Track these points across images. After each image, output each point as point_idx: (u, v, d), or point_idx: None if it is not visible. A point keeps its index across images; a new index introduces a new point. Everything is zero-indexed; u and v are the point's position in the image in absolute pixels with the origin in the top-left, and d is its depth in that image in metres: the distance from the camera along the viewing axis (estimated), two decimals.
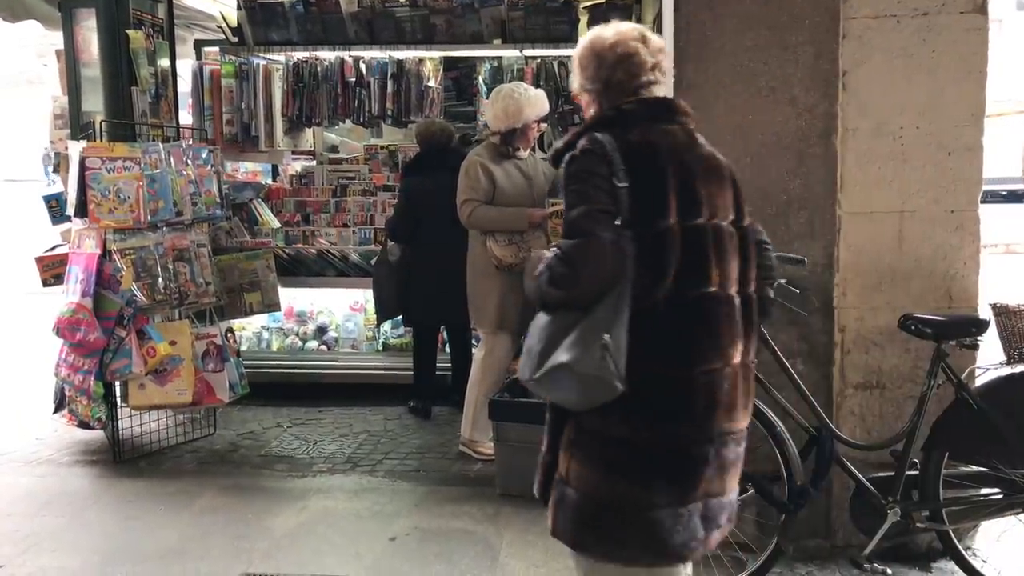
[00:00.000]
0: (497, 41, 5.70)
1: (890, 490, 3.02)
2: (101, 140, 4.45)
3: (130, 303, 4.25)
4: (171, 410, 4.70)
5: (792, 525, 3.06)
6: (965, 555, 3.12)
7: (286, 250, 5.53)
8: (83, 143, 4.38)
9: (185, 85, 5.93)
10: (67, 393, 4.51)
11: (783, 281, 3.06)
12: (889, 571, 3.06)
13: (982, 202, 3.32)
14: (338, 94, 5.87)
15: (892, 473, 3.04)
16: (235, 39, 5.88)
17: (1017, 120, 14.67)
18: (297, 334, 5.86)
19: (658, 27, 3.86)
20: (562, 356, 1.98)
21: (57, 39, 5.20)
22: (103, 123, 4.55)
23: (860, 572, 3.08)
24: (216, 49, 6.06)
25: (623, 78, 2.15)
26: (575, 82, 2.26)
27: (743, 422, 2.14)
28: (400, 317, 5.34)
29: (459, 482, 4.20)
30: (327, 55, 5.90)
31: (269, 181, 6.55)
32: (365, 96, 5.86)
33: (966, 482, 3.10)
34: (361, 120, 5.99)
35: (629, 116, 2.12)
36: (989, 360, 3.08)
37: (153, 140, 4.78)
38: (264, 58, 5.96)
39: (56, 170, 5.14)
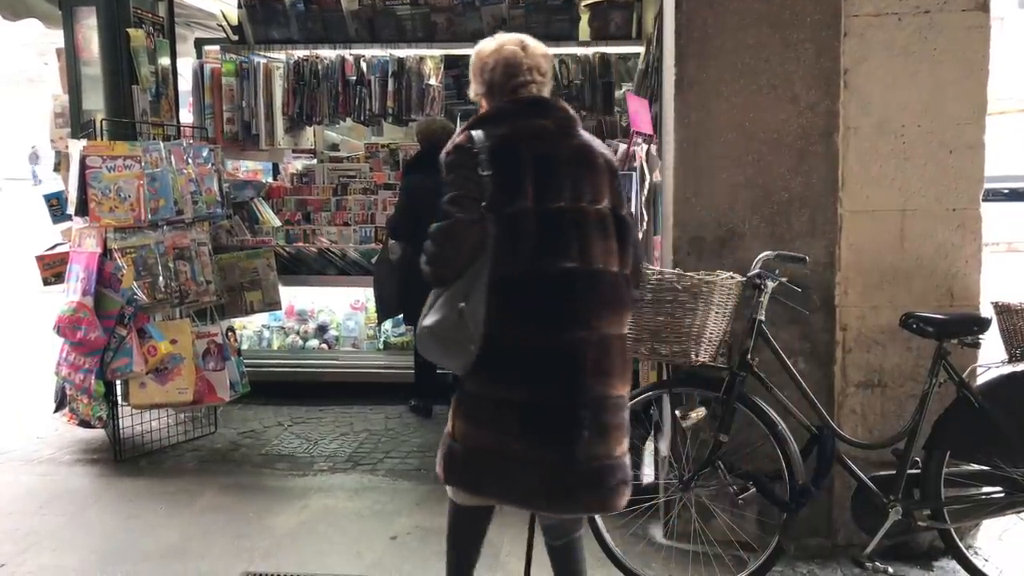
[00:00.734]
0: None
1: (891, 489, 3.02)
2: (102, 139, 4.45)
3: (131, 302, 4.25)
4: (172, 409, 4.70)
5: (793, 524, 3.06)
6: (967, 554, 3.11)
7: (287, 249, 5.53)
8: (84, 142, 4.37)
9: (186, 83, 5.93)
10: (68, 392, 4.51)
11: (785, 280, 3.06)
12: (891, 570, 3.06)
13: (984, 200, 3.31)
14: (339, 92, 5.87)
15: (893, 472, 3.04)
16: (236, 37, 5.88)
17: (1019, 118, 14.64)
18: (298, 333, 5.86)
19: (659, 25, 3.85)
20: (425, 320, 2.39)
21: (58, 37, 5.20)
22: (104, 122, 4.55)
23: (861, 571, 3.08)
24: (217, 47, 6.06)
25: (502, 80, 2.45)
26: (471, 89, 2.56)
27: (620, 389, 2.38)
28: (401, 316, 5.34)
29: None
30: (328, 53, 5.90)
31: (270, 180, 6.55)
32: (366, 94, 5.85)
33: (967, 481, 3.09)
34: (362, 118, 5.98)
35: (502, 113, 2.42)
36: (991, 359, 3.07)
37: (154, 139, 4.78)
38: (265, 56, 5.96)
39: (56, 169, 5.14)
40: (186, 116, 6.08)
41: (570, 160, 2.38)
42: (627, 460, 2.41)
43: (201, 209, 4.64)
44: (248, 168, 6.77)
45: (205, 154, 4.74)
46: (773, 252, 3.13)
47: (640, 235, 3.63)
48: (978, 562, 3.15)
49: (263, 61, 5.90)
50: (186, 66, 6.00)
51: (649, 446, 3.95)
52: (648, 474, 3.91)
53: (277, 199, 5.93)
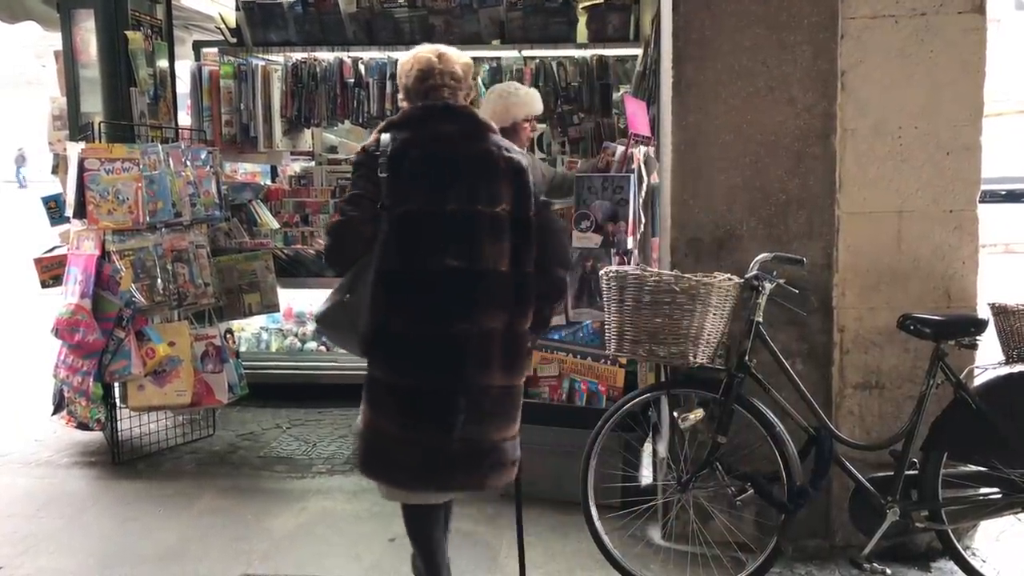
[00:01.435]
0: (496, 41, 5.69)
1: (889, 490, 3.02)
2: (100, 141, 4.44)
3: (129, 304, 4.25)
4: (170, 411, 4.70)
5: (791, 525, 3.06)
6: (964, 555, 3.12)
7: (285, 251, 5.52)
8: (82, 144, 4.37)
9: (184, 86, 5.92)
10: (66, 394, 4.50)
11: (782, 281, 3.07)
12: (888, 571, 3.06)
13: (981, 202, 3.32)
14: (337, 95, 5.86)
15: (891, 473, 3.04)
16: (234, 40, 5.87)
17: (1016, 120, 14.67)
18: (296, 335, 5.85)
19: (657, 27, 3.86)
20: (317, 311, 2.67)
21: (56, 40, 5.20)
22: (102, 124, 4.55)
23: (859, 572, 3.08)
24: (215, 50, 6.05)
25: (415, 85, 2.61)
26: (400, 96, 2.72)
27: (504, 380, 2.54)
28: None
29: None
30: (326, 56, 5.89)
31: (268, 182, 6.54)
32: (364, 97, 5.84)
33: (965, 482, 3.10)
34: (360, 121, 5.98)
35: (410, 118, 2.58)
36: (988, 360, 3.07)
37: (152, 141, 4.77)
38: (263, 59, 5.95)
39: (54, 171, 5.14)
40: (184, 118, 6.08)
41: (469, 164, 2.52)
42: (509, 444, 2.58)
43: (199, 211, 4.64)
44: (246, 170, 6.75)
45: (203, 156, 4.75)
46: (771, 254, 3.13)
47: (639, 237, 3.65)
48: (976, 563, 3.15)
49: (261, 63, 5.89)
50: (184, 68, 5.99)
51: (647, 447, 3.96)
52: (646, 475, 3.92)
53: (275, 201, 5.92)
